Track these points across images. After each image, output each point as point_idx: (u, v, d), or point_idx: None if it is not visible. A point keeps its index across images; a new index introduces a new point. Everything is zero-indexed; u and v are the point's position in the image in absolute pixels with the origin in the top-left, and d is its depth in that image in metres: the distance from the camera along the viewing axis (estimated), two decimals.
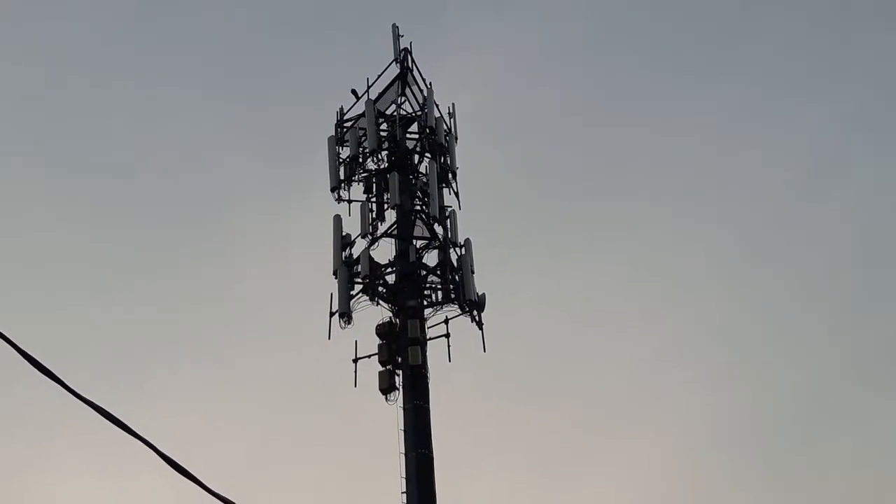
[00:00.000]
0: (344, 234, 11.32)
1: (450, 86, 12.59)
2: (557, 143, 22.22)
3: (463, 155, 12.51)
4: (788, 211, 22.14)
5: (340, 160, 11.76)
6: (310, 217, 11.26)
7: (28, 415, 16.72)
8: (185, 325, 19.01)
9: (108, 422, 3.41)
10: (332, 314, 10.84)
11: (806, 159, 22.31)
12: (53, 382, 3.26)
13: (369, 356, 10.68)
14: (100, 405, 3.15)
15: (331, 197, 11.52)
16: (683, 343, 20.53)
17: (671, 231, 21.24)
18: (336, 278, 11.02)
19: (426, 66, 12.43)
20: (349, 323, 10.86)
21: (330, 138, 11.94)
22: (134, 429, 3.36)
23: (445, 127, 12.19)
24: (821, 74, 23.50)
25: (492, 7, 23.07)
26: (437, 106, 12.21)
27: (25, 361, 3.12)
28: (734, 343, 19.90)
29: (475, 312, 11.05)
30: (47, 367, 3.17)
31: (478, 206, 12.23)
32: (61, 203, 21.17)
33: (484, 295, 11.26)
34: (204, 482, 3.86)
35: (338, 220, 11.36)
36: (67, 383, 3.21)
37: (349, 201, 11.47)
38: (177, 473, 3.68)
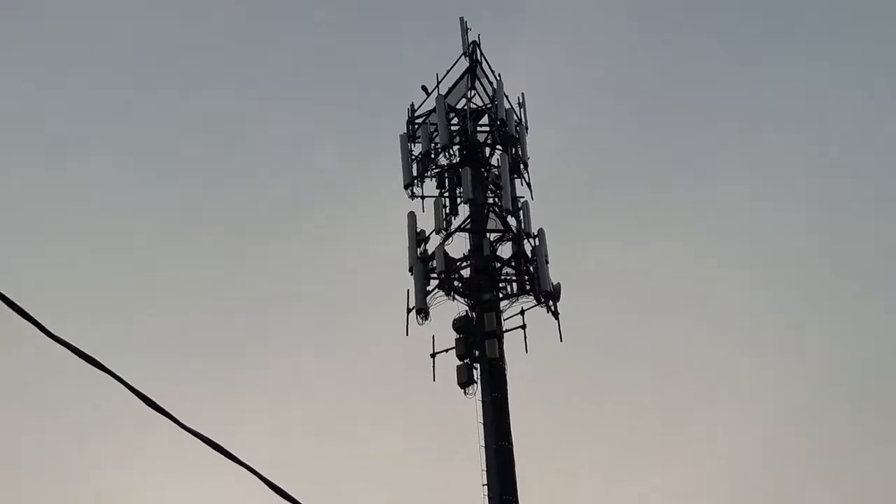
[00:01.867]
0: (418, 230, 11.50)
1: (518, 75, 12.42)
2: (628, 128, 21.76)
3: (533, 144, 12.33)
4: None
5: (413, 157, 11.84)
6: (384, 214, 11.33)
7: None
8: (267, 325, 19.52)
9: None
10: (409, 310, 11.02)
11: None
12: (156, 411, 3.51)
13: (447, 350, 10.81)
14: (204, 435, 3.38)
15: (404, 194, 11.59)
16: (753, 331, 19.85)
17: (744, 215, 20.59)
18: (412, 275, 11.15)
19: (494, 57, 12.29)
20: (426, 319, 11.05)
21: (402, 136, 12.06)
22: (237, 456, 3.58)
23: (515, 118, 12.16)
24: None
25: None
26: (506, 97, 12.09)
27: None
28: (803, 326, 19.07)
29: (551, 302, 11.10)
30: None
31: (550, 196, 12.14)
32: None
33: (559, 285, 11.27)
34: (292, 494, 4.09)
35: (412, 216, 11.53)
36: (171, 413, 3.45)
37: (423, 197, 11.64)
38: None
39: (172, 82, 22.89)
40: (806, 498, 17.87)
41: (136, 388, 3.39)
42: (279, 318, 19.31)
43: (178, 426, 3.35)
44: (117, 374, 3.27)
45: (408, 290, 11.11)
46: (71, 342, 3.02)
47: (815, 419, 19.04)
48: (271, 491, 3.97)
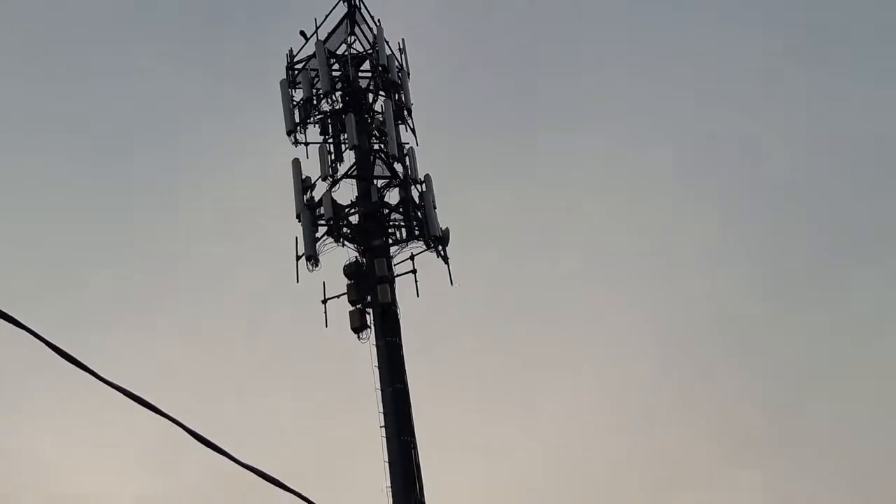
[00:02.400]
0: (304, 177, 11.44)
1: (398, 21, 12.44)
2: (509, 72, 22.38)
3: (416, 90, 12.49)
4: None
5: (294, 103, 11.75)
6: (267, 162, 11.14)
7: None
8: (158, 282, 19.09)
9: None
10: (298, 258, 11.05)
11: None
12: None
13: (338, 296, 10.91)
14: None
15: (287, 140, 11.50)
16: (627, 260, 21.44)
17: (623, 152, 21.84)
18: (300, 222, 11.06)
19: (374, 2, 12.39)
20: (316, 265, 11.10)
21: (282, 81, 12.05)
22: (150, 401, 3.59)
23: (397, 63, 12.32)
24: None
25: None
26: (387, 43, 12.20)
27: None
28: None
29: (440, 247, 11.49)
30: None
31: (435, 142, 12.37)
32: None
33: (447, 230, 11.52)
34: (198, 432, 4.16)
35: (296, 163, 11.51)
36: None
37: (306, 144, 11.63)
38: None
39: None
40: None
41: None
42: (174, 273, 18.97)
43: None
44: None
45: (296, 238, 11.03)
46: None
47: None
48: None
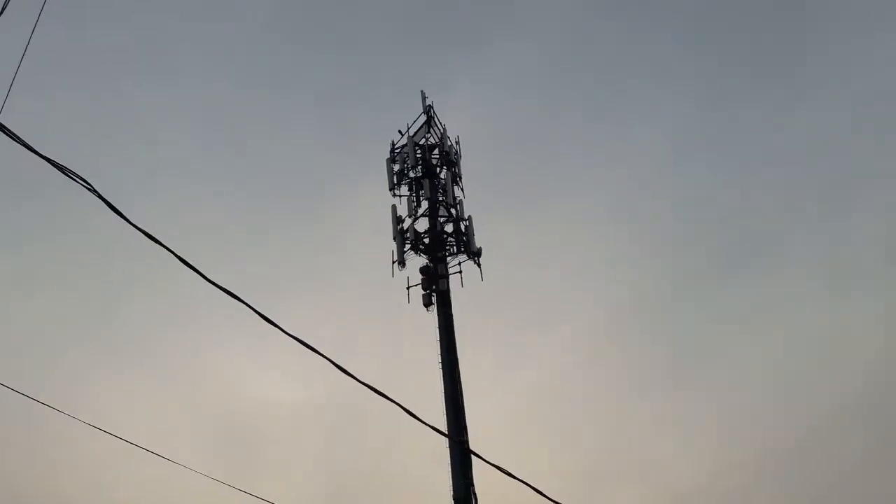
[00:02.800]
0: (398, 215, 16.70)
1: (456, 124, 19.49)
2: (520, 147, 31.37)
3: (465, 166, 17.91)
4: None
5: (394, 172, 17.23)
6: (378, 208, 18.10)
7: None
8: (313, 274, 28.45)
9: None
10: (393, 262, 16.13)
11: None
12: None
13: (416, 285, 15.82)
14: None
15: (389, 195, 17.25)
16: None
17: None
18: (395, 241, 16.43)
19: (442, 113, 18.37)
20: (403, 267, 16.15)
21: (387, 159, 17.43)
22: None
23: (455, 150, 17.74)
24: None
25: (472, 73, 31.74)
26: (449, 138, 17.68)
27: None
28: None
29: (476, 258, 16.33)
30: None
31: (474, 196, 17.88)
32: None
33: (480, 248, 16.42)
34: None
35: (394, 208, 16.86)
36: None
37: (400, 196, 17.02)
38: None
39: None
40: None
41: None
42: (320, 271, 28.45)
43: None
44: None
45: (392, 251, 16.29)
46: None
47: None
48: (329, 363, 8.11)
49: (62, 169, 5.25)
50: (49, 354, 27.33)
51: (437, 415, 14.42)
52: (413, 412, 8.12)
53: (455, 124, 19.08)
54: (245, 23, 36.16)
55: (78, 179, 5.35)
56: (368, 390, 6.90)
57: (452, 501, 13.51)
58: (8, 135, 5.00)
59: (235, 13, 36.01)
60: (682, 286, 32.73)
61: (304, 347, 6.47)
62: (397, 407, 7.13)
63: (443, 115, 18.18)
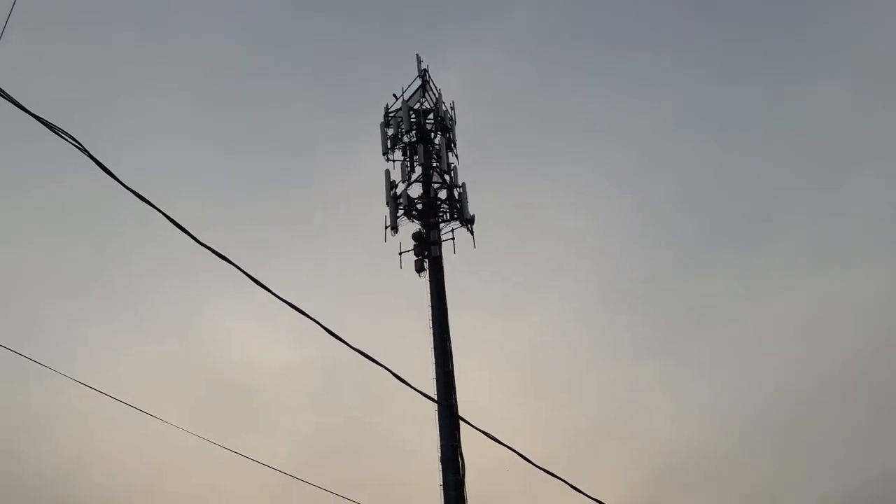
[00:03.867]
0: (392, 180, 16.68)
1: (451, 88, 19.29)
2: (519, 110, 31.66)
3: (459, 131, 17.95)
4: None
5: (388, 137, 17.13)
6: (372, 171, 17.97)
7: None
8: (304, 237, 29.19)
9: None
10: (386, 227, 16.18)
11: None
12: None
13: (409, 251, 15.94)
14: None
15: (383, 159, 17.17)
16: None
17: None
18: (388, 206, 16.46)
19: (437, 76, 18.53)
20: (396, 232, 16.22)
21: (381, 123, 17.35)
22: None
23: (450, 115, 17.81)
24: None
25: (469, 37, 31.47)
26: (444, 103, 17.78)
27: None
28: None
29: (469, 225, 16.51)
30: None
31: (469, 162, 17.97)
32: None
33: (474, 215, 16.58)
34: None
35: (387, 172, 16.81)
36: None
37: (393, 161, 16.95)
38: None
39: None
40: None
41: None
42: (311, 234, 29.09)
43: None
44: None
45: (385, 216, 16.29)
46: None
47: None
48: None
49: (51, 127, 5.20)
50: (33, 307, 27.44)
51: (428, 379, 14.63)
52: (403, 377, 8.20)
53: (451, 89, 18.91)
54: None
55: (67, 138, 5.31)
56: (358, 354, 6.98)
57: (440, 462, 13.71)
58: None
59: None
60: (680, 254, 33.10)
61: (293, 310, 6.52)
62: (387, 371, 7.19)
63: (438, 80, 18.34)
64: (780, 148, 34.52)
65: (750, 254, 32.94)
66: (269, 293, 6.34)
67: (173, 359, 29.07)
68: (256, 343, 29.86)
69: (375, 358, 7.68)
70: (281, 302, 6.53)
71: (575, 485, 8.81)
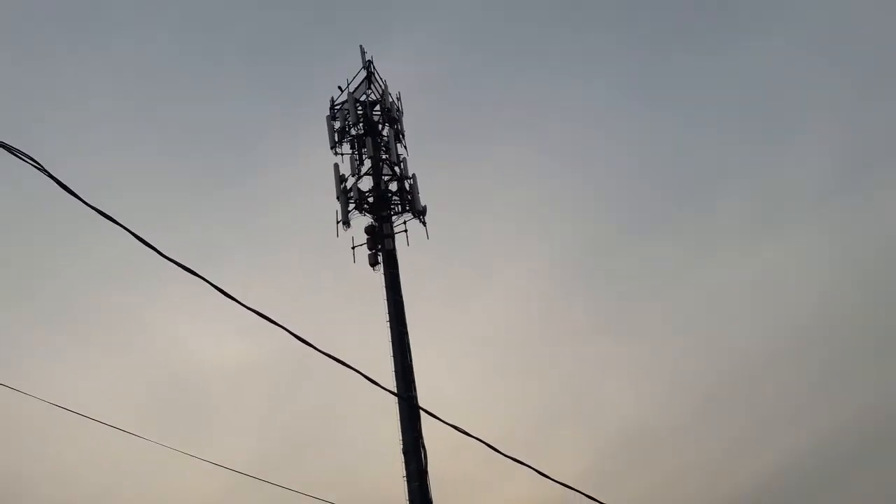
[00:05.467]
0: (341, 174, 16.52)
1: (397, 80, 19.20)
2: (462, 99, 32.12)
3: (407, 122, 17.92)
4: None
5: (335, 130, 17.02)
6: (319, 166, 17.68)
7: None
8: (252, 234, 28.47)
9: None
10: (338, 222, 15.97)
11: None
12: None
13: (361, 245, 15.86)
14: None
15: (331, 153, 17.11)
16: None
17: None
18: (339, 200, 16.28)
19: (382, 67, 18.44)
20: (348, 227, 16.04)
21: (327, 117, 17.21)
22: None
23: (396, 107, 17.81)
24: None
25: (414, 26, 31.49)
26: (390, 94, 17.72)
27: None
28: None
29: (421, 217, 16.43)
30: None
31: (417, 153, 18.11)
32: None
33: (425, 206, 16.45)
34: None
35: (336, 166, 16.64)
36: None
37: (342, 154, 16.81)
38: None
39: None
40: None
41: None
42: (259, 231, 28.03)
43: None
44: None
45: (336, 210, 16.08)
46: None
47: None
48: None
49: (10, 149, 5.03)
50: None
51: (387, 371, 14.66)
52: (363, 371, 8.15)
53: (396, 79, 18.76)
54: None
55: (28, 160, 5.15)
56: (324, 355, 6.95)
57: (402, 454, 13.76)
58: None
59: None
60: (628, 227, 33.84)
61: (259, 316, 6.45)
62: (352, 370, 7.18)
63: (382, 70, 18.20)
64: (720, 116, 35.47)
65: (695, 223, 33.91)
66: (234, 301, 6.23)
67: (123, 364, 28.43)
68: (207, 342, 29.46)
69: (338, 357, 7.61)
70: (229, 299, 6.43)
71: (540, 469, 8.95)
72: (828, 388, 27.32)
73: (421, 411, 13.91)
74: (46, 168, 5.64)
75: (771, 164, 33.88)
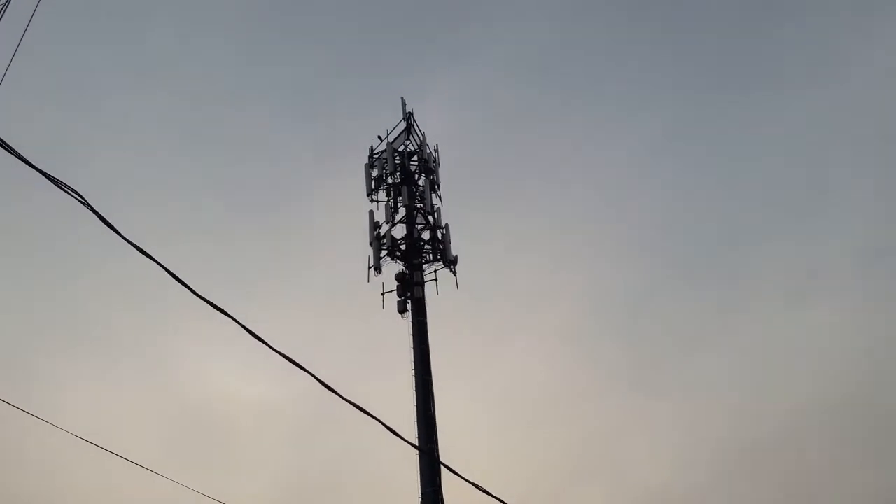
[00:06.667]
0: (375, 221, 16.99)
1: (435, 133, 19.59)
2: (495, 151, 32.68)
3: (443, 173, 18.46)
4: None
5: (372, 178, 17.59)
6: (356, 212, 18.07)
7: None
8: (283, 272, 29.37)
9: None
10: (369, 268, 16.44)
11: None
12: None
13: (391, 291, 16.21)
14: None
15: (366, 199, 17.56)
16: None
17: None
18: (371, 246, 16.71)
19: (421, 119, 18.86)
20: (379, 272, 16.47)
21: (365, 165, 17.80)
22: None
23: (434, 158, 18.47)
24: None
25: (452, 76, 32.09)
26: (428, 145, 18.29)
27: None
28: None
29: (452, 266, 16.78)
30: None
31: (452, 204, 18.28)
32: None
33: (457, 256, 16.86)
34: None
35: (371, 213, 17.21)
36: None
37: (377, 201, 17.31)
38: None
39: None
40: None
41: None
42: (290, 271, 29.07)
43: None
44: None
45: (368, 256, 16.57)
46: None
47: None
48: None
49: (55, 181, 5.26)
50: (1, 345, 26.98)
51: (410, 420, 14.71)
52: (383, 421, 8.11)
53: (434, 129, 19.15)
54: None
55: (70, 192, 5.37)
56: (349, 403, 6.98)
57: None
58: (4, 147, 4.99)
59: None
60: (661, 280, 33.52)
61: (288, 361, 6.55)
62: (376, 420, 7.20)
63: (422, 120, 18.88)
64: (763, 171, 35.25)
65: (729, 281, 33.47)
66: (263, 343, 6.36)
67: (148, 395, 28.70)
68: (232, 379, 29.64)
69: (362, 406, 7.62)
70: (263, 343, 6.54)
71: None
72: (864, 464, 26.40)
73: (441, 465, 13.78)
74: (88, 201, 5.75)
75: (813, 227, 33.49)
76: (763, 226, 33.67)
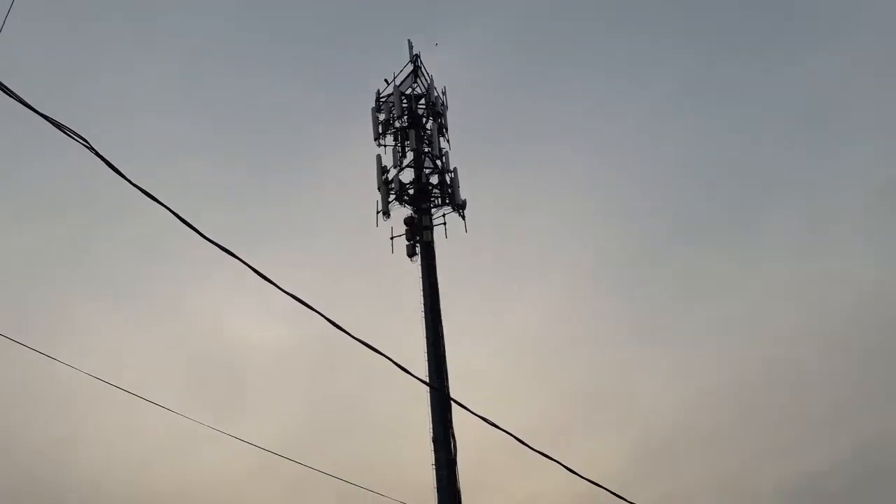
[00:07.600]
0: (383, 165, 16.91)
1: (443, 75, 19.17)
2: (511, 93, 32.28)
3: (451, 116, 18.23)
4: None
5: (379, 122, 17.38)
6: (363, 156, 17.89)
7: None
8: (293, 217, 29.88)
9: None
10: (378, 212, 16.40)
11: None
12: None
13: (400, 235, 16.24)
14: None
15: (374, 144, 17.42)
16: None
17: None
18: (380, 191, 16.71)
19: (428, 61, 18.64)
20: (388, 217, 16.46)
21: (372, 108, 17.57)
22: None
23: (441, 101, 18.30)
24: None
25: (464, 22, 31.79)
26: (436, 88, 18.02)
27: None
28: None
29: (461, 210, 16.79)
30: None
31: (460, 147, 18.34)
32: None
33: (465, 200, 16.86)
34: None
35: (378, 158, 17.06)
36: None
37: (385, 146, 17.14)
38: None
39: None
40: None
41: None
42: (301, 215, 29.49)
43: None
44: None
45: (377, 201, 16.53)
46: None
47: None
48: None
49: (60, 126, 5.33)
50: (24, 289, 27.51)
51: (420, 361, 14.87)
52: (397, 360, 8.36)
53: (442, 73, 18.97)
54: None
55: (76, 137, 5.44)
56: (357, 342, 7.18)
57: (432, 442, 14.05)
58: (6, 93, 5.06)
59: None
60: (673, 234, 33.56)
61: (297, 301, 6.71)
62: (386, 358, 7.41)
63: (429, 63, 18.56)
64: (774, 127, 34.85)
65: (742, 233, 33.45)
66: (273, 285, 6.52)
67: (166, 340, 29.33)
68: (248, 323, 30.14)
69: (373, 345, 7.84)
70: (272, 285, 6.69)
71: (568, 465, 9.10)
72: (871, 395, 26.81)
73: (452, 402, 14.14)
74: (93, 146, 5.82)
75: (820, 179, 33.28)
76: (773, 177, 33.48)
